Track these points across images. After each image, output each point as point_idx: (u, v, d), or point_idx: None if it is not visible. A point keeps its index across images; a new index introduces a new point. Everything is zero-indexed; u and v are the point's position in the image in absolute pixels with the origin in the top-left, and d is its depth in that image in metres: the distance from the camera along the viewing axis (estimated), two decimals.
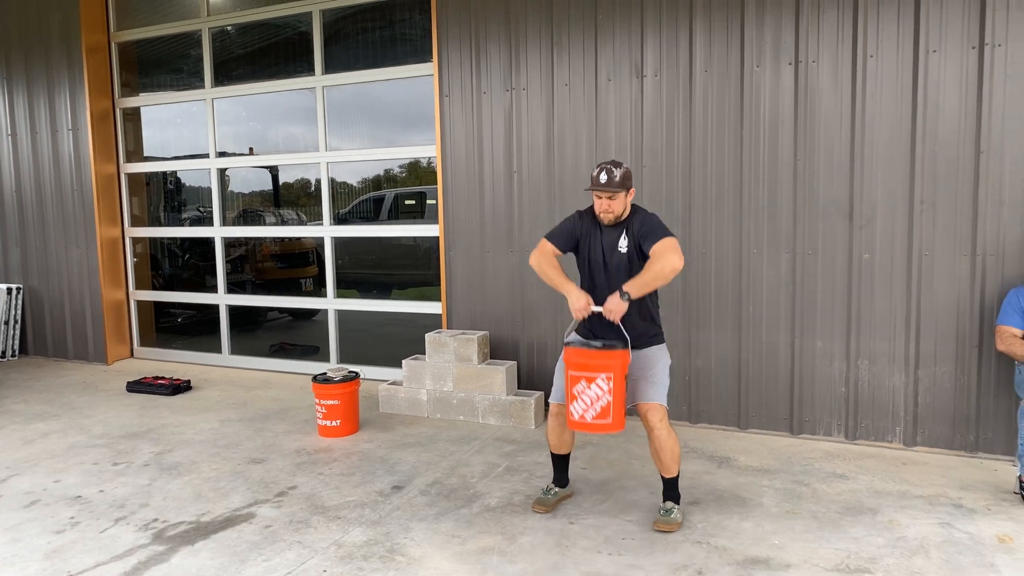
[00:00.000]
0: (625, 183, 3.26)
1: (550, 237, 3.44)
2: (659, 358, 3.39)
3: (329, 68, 6.04)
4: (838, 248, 4.37)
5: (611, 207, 3.28)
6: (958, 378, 4.20)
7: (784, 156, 4.44)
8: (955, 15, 4.01)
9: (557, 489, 3.62)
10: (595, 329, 3.37)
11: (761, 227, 4.53)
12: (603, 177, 3.24)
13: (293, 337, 6.89)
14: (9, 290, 7.16)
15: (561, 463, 3.64)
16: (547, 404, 4.77)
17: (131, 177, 7.11)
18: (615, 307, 3.15)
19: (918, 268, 4.22)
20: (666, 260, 3.12)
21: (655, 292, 3.35)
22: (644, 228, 3.27)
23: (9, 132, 7.15)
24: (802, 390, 4.53)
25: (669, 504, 3.39)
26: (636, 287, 3.14)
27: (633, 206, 3.39)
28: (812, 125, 4.36)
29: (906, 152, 4.18)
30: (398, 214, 6.30)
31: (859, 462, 4.14)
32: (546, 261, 3.36)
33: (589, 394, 3.18)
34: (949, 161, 4.10)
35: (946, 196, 4.12)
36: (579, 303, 3.22)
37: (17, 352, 7.28)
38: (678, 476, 3.42)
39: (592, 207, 3.41)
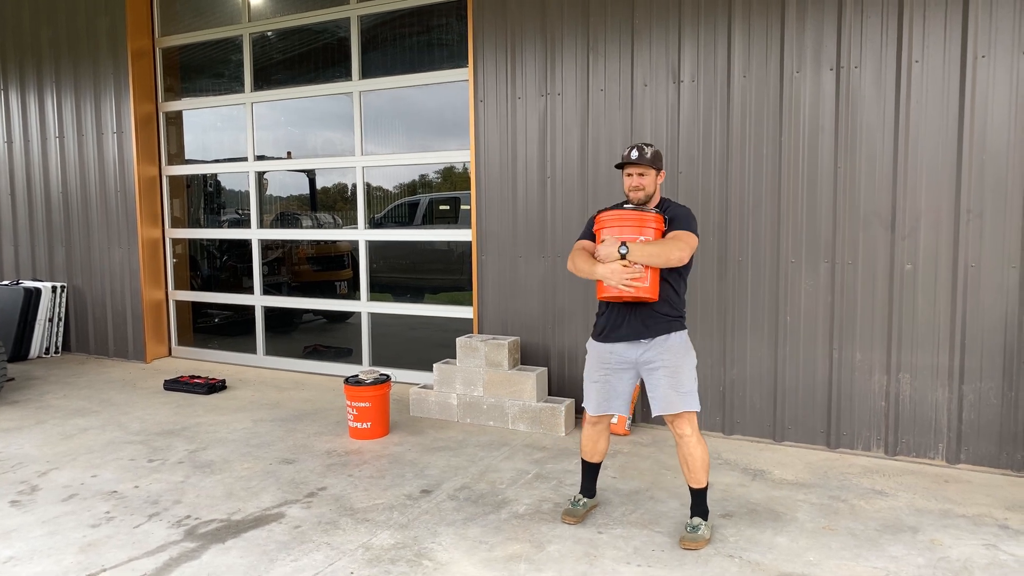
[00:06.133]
0: (656, 162, 3.28)
1: (581, 237, 3.45)
2: (683, 357, 3.27)
3: (366, 73, 6.10)
4: (879, 258, 4.26)
5: (641, 183, 3.27)
6: (1005, 394, 4.06)
7: (824, 164, 4.35)
8: (1005, 19, 3.89)
9: (585, 500, 3.58)
10: (616, 321, 3.32)
11: (800, 236, 4.44)
12: (634, 154, 3.27)
13: (327, 339, 6.95)
14: (54, 288, 7.35)
15: (591, 472, 3.60)
16: (579, 411, 4.74)
17: (172, 179, 7.26)
18: (605, 254, 3.13)
19: (964, 280, 4.09)
20: (676, 245, 3.12)
21: (681, 279, 3.32)
22: (676, 212, 3.28)
23: (57, 134, 7.36)
24: (840, 403, 4.42)
25: (696, 520, 3.30)
26: (638, 249, 3.10)
27: (664, 198, 3.39)
28: (854, 132, 4.26)
29: (952, 160, 4.06)
30: (432, 219, 6.31)
31: (899, 478, 4.02)
32: (579, 256, 3.33)
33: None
34: (998, 170, 3.97)
35: (994, 206, 3.99)
36: (605, 251, 3.15)
37: (60, 349, 7.47)
38: (707, 488, 3.34)
39: (613, 205, 3.43)
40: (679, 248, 3.12)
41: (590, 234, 3.39)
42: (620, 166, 3.32)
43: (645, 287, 3.14)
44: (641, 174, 3.26)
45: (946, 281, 4.13)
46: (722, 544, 3.26)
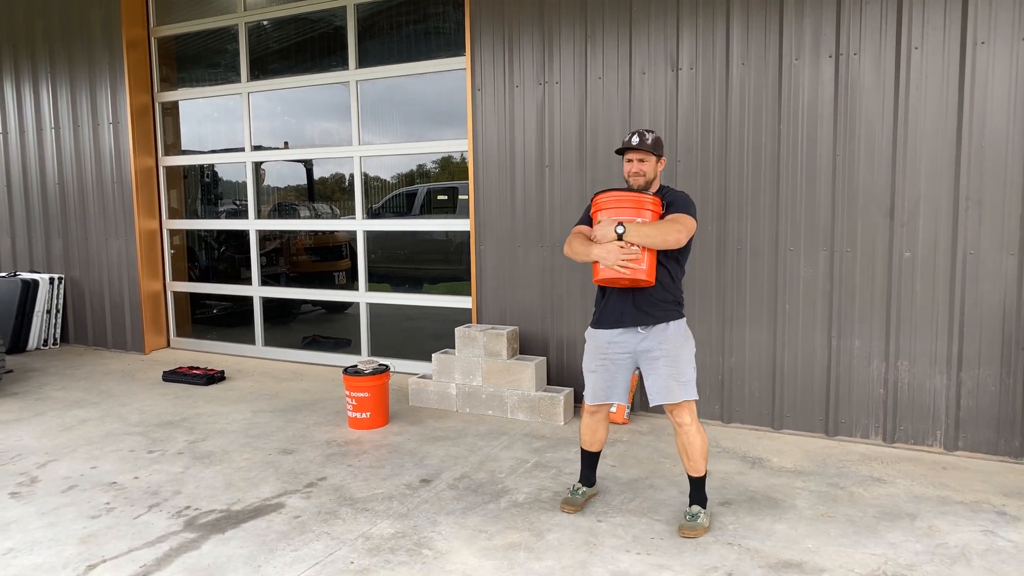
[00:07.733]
0: (656, 148, 3.27)
1: (579, 223, 3.44)
2: (683, 346, 3.28)
3: (363, 62, 6.07)
4: (878, 246, 4.26)
5: (642, 169, 3.26)
6: (1003, 381, 4.06)
7: (823, 151, 4.33)
8: (1005, 5, 3.87)
9: (584, 488, 3.58)
10: (614, 308, 3.31)
11: (798, 224, 4.43)
12: (635, 139, 3.26)
13: (325, 329, 6.95)
14: (51, 280, 7.33)
15: (591, 461, 3.61)
16: (578, 400, 4.76)
17: (169, 170, 7.23)
18: (601, 234, 3.12)
19: (962, 267, 4.08)
20: (673, 227, 3.11)
21: (679, 265, 3.31)
22: (675, 197, 3.27)
23: (53, 125, 7.32)
24: (839, 391, 4.43)
25: (695, 508, 3.31)
26: (635, 230, 3.08)
27: (663, 185, 3.38)
28: (852, 119, 4.25)
29: (951, 147, 4.05)
30: (430, 209, 6.30)
31: (897, 466, 4.03)
32: (575, 239, 3.32)
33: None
34: (997, 157, 3.96)
35: (993, 193, 3.98)
36: (601, 232, 3.14)
37: (58, 340, 7.46)
38: (706, 476, 3.35)
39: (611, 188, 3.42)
40: (676, 230, 3.11)
41: (588, 219, 3.37)
42: (621, 151, 3.31)
43: (642, 269, 3.11)
44: (641, 160, 3.26)
45: (945, 268, 4.12)
46: (721, 532, 3.27)
